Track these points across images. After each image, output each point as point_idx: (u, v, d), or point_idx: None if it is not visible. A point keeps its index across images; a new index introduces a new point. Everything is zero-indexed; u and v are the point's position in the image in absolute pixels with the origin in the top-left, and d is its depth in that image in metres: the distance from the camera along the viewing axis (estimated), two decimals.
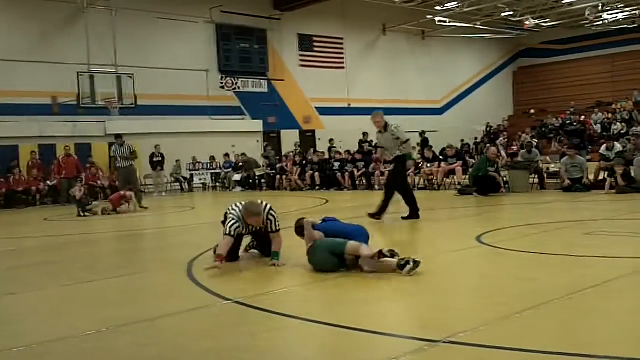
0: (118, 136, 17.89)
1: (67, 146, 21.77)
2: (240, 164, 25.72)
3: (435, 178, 19.07)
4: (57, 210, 18.96)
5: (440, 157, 19.93)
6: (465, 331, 4.23)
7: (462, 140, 31.49)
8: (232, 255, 7.33)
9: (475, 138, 35.24)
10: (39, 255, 9.75)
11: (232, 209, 7.30)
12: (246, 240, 7.86)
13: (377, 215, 11.16)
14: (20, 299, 6.30)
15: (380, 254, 6.35)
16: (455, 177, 18.60)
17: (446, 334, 4.15)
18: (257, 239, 7.84)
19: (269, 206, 7.35)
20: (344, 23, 32.51)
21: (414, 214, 11.22)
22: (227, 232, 7.13)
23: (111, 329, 4.86)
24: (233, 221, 7.19)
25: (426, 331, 4.36)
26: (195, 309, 5.38)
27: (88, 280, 7.02)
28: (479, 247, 7.90)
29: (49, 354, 4.35)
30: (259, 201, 7.42)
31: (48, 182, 22.12)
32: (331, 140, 29.08)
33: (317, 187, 22.01)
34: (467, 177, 17.40)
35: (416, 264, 6.18)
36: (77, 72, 22.45)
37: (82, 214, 16.16)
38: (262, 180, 24.80)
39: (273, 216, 7.31)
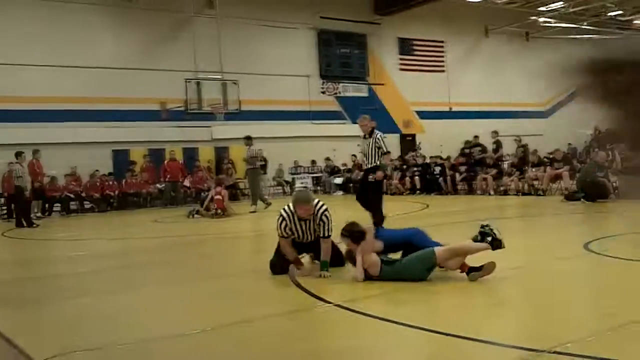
0: (247, 138, 18.40)
1: (172, 151, 22.60)
2: (343, 167, 25.90)
3: (540, 183, 18.55)
4: (167, 212, 19.69)
5: (546, 162, 19.37)
6: (571, 341, 4.11)
7: (570, 144, 30.50)
8: (281, 267, 6.97)
9: (585, 142, 34.03)
10: (147, 255, 10.14)
11: (282, 210, 6.98)
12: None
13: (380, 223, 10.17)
14: (129, 296, 6.56)
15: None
16: (561, 182, 18.03)
17: (552, 344, 4.05)
18: (312, 251, 7.26)
19: (324, 207, 6.91)
20: (445, 26, 32.12)
21: (380, 222, 10.32)
22: (279, 234, 6.92)
23: (212, 330, 4.99)
24: (280, 220, 6.87)
25: (531, 340, 4.27)
26: (295, 311, 5.46)
27: (191, 281, 7.23)
28: (586, 255, 7.63)
29: (152, 352, 4.53)
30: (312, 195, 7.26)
31: (157, 184, 23.05)
32: (419, 144, 28.63)
33: (418, 192, 21.86)
34: (574, 182, 16.83)
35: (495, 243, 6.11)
36: (185, 79, 23.26)
37: (192, 216, 16.72)
38: None
39: (327, 217, 6.85)
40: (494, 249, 6.10)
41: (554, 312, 5.15)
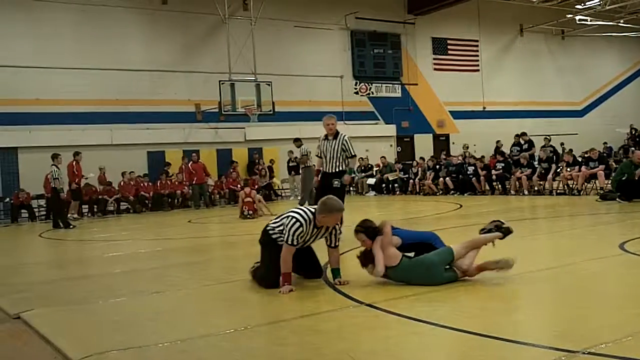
0: (296, 140, 18.51)
1: (194, 154, 22.79)
2: (376, 168, 25.88)
3: (575, 182, 18.33)
4: (200, 213, 19.86)
5: (581, 161, 19.12)
6: (607, 342, 4.07)
7: (605, 143, 30.07)
8: (275, 281, 6.32)
9: (625, 141, 33.55)
10: (183, 255, 10.23)
11: (295, 211, 6.40)
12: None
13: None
14: (164, 297, 6.62)
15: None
16: (597, 181, 17.79)
17: (586, 345, 4.01)
18: (295, 257, 6.47)
19: None
20: (479, 25, 31.91)
21: None
22: (289, 242, 6.17)
23: (249, 328, 5.04)
24: (296, 225, 6.17)
25: (565, 341, 4.22)
26: (329, 311, 5.47)
27: (227, 281, 7.26)
28: (622, 255, 7.53)
29: (189, 351, 4.56)
30: None
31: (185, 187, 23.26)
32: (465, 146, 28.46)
33: (452, 192, 21.72)
34: (610, 181, 16.59)
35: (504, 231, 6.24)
36: (219, 81, 23.43)
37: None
38: (395, 185, 24.80)
39: (339, 226, 6.51)
40: (504, 236, 6.28)
41: (588, 313, 5.09)
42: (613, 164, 19.45)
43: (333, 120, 9.90)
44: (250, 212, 16.55)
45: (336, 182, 9.75)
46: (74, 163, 18.46)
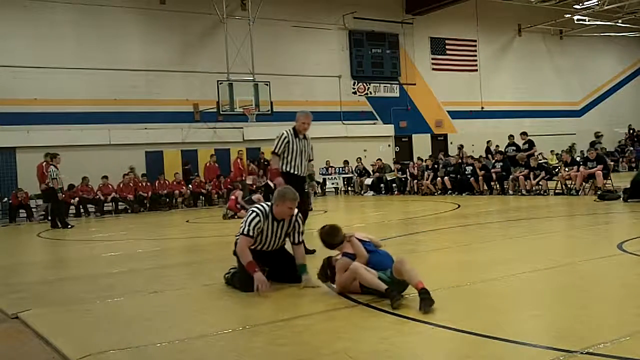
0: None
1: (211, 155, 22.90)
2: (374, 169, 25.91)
3: (573, 182, 18.33)
4: (198, 213, 19.86)
5: (579, 161, 19.14)
6: (605, 342, 4.07)
7: (597, 138, 30.04)
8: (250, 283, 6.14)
9: (619, 141, 33.63)
10: (181, 255, 10.24)
11: (254, 206, 6.36)
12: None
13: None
14: (162, 296, 6.61)
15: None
16: (594, 181, 17.79)
17: (585, 345, 4.01)
18: (270, 264, 6.47)
19: (296, 211, 6.45)
20: (478, 25, 31.95)
21: None
22: (244, 232, 6.12)
23: (247, 328, 5.04)
24: (253, 215, 6.16)
25: (563, 341, 4.22)
26: (327, 311, 5.45)
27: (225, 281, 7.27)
28: (620, 255, 7.53)
29: (188, 351, 4.55)
30: None
31: (190, 186, 23.30)
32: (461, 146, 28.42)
33: (450, 192, 21.73)
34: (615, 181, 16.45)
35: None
36: (217, 81, 23.43)
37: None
38: (394, 185, 24.81)
39: (300, 221, 6.48)
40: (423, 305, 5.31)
41: (587, 313, 5.09)
42: (611, 164, 19.41)
43: (310, 119, 8.85)
44: (229, 211, 16.82)
45: (307, 187, 9.02)
46: (43, 164, 18.43)
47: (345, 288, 5.88)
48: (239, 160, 22.60)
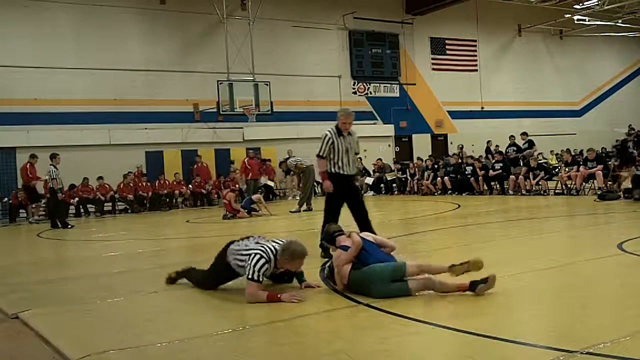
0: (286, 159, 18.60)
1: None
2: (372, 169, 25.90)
3: (573, 182, 18.33)
4: (198, 213, 19.85)
5: (579, 161, 19.13)
6: (604, 342, 4.07)
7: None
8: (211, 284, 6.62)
9: (617, 141, 33.62)
10: (181, 255, 10.23)
11: (260, 244, 6.24)
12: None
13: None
14: (162, 297, 6.62)
15: (452, 266, 5.79)
16: (594, 181, 17.80)
17: (584, 345, 4.02)
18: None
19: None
20: (478, 25, 31.93)
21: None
22: (254, 278, 5.93)
23: (247, 328, 5.05)
24: (262, 261, 5.99)
25: (563, 341, 4.23)
26: (327, 311, 5.46)
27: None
28: (620, 255, 7.53)
29: (189, 350, 4.56)
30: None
31: (191, 186, 23.30)
32: (461, 146, 28.37)
33: (450, 192, 21.73)
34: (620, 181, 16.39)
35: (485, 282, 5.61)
36: (217, 81, 23.41)
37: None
38: (394, 185, 24.79)
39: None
40: (473, 288, 5.66)
41: (587, 313, 5.09)
42: (612, 163, 19.41)
43: (351, 119, 8.53)
44: (228, 213, 16.87)
45: (356, 183, 8.84)
46: (27, 165, 18.37)
47: (343, 277, 5.98)
48: (246, 160, 22.45)
